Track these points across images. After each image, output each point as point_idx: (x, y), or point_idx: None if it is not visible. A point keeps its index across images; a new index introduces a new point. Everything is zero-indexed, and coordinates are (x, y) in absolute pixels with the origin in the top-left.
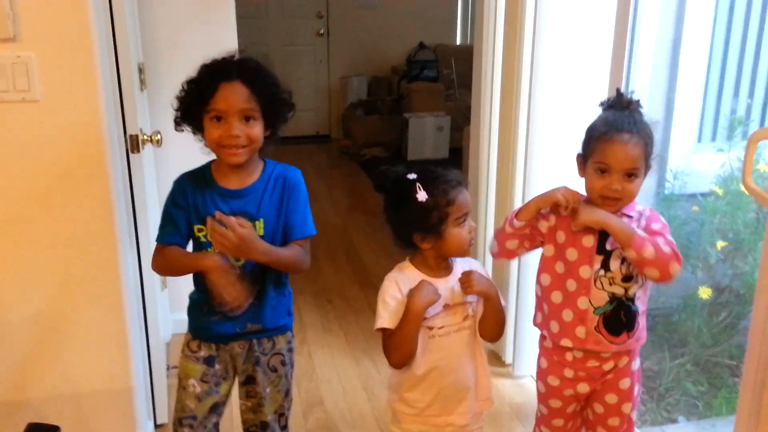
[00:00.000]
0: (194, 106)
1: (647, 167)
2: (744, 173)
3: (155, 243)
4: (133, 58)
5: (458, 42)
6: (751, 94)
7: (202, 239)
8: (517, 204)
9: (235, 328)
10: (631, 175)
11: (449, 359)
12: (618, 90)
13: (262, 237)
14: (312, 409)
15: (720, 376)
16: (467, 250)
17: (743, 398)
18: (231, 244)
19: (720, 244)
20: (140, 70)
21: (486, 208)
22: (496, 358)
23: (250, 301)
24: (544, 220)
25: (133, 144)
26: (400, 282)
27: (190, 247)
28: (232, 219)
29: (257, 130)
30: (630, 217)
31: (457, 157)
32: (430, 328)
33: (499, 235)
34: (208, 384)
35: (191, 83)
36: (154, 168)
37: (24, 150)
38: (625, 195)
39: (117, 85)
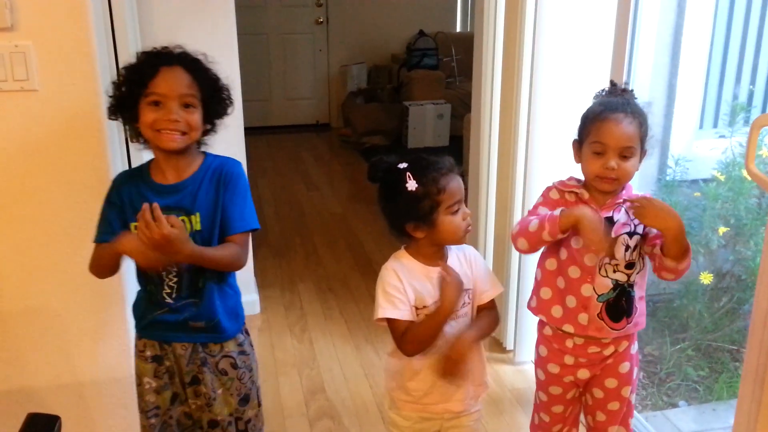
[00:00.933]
0: (132, 89)
1: (643, 150)
2: (747, 159)
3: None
4: (131, 46)
5: (458, 29)
6: (753, 80)
7: None
8: (518, 192)
9: (177, 325)
10: (625, 155)
11: (448, 346)
12: (612, 81)
13: (199, 231)
14: (314, 397)
15: (721, 360)
16: (462, 237)
17: (745, 382)
18: (153, 240)
19: (722, 229)
20: None
21: (487, 196)
22: (497, 345)
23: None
24: (559, 208)
25: (132, 132)
26: (398, 271)
27: None
28: (163, 216)
29: (197, 117)
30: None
31: (458, 144)
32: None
33: (534, 239)
34: (162, 379)
35: (130, 68)
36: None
37: (22, 139)
38: (621, 174)
39: (116, 73)
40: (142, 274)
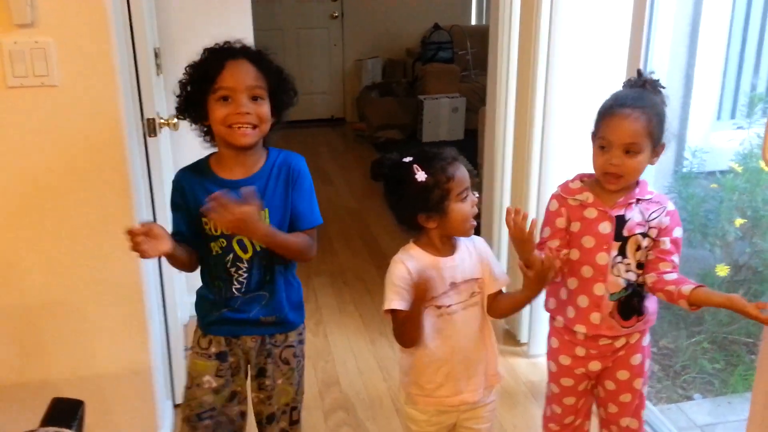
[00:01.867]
0: (200, 86)
1: (655, 145)
2: (764, 149)
3: None
4: (149, 42)
5: (473, 22)
6: None
7: (207, 232)
8: (533, 184)
9: (247, 316)
10: (630, 151)
11: (459, 337)
12: (638, 70)
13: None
14: (329, 389)
15: (736, 353)
16: (471, 225)
17: (760, 374)
18: (229, 221)
19: (738, 221)
20: (156, 55)
21: (502, 189)
22: (511, 338)
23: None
24: (559, 217)
25: (151, 128)
26: (407, 263)
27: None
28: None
29: (266, 109)
30: (647, 200)
31: (473, 138)
32: (439, 307)
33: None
34: (224, 378)
35: (195, 65)
36: (170, 152)
37: (43, 135)
38: (625, 171)
39: (134, 69)
40: (208, 272)
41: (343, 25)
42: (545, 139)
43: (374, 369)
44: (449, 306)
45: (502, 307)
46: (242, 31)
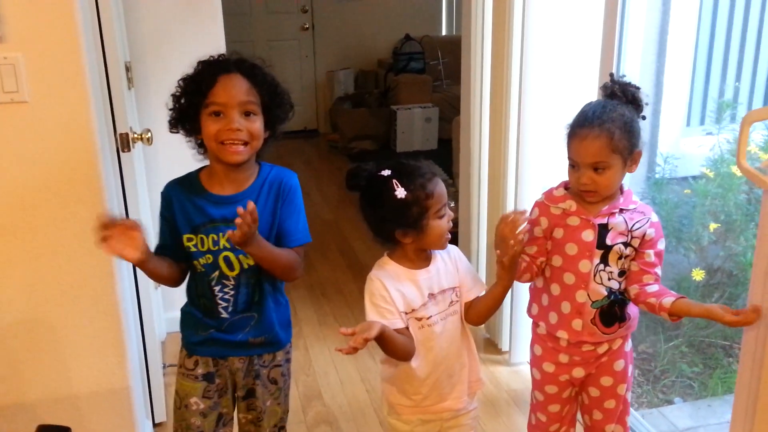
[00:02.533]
0: (192, 100)
1: (628, 154)
2: (738, 154)
3: None
4: (120, 56)
5: (444, 33)
6: (738, 78)
7: (192, 248)
8: (510, 193)
9: (236, 337)
10: (597, 168)
11: (441, 347)
12: (611, 74)
13: None
14: (311, 403)
15: (714, 356)
16: (447, 239)
17: (741, 377)
18: (245, 233)
19: (712, 225)
20: (127, 69)
21: (478, 198)
22: (492, 346)
23: None
24: (537, 226)
25: (124, 142)
26: (384, 279)
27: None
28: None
29: (258, 125)
30: (631, 210)
31: (447, 147)
32: (419, 319)
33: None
34: (211, 399)
35: (188, 79)
36: (144, 166)
37: (14, 151)
38: (598, 187)
39: (105, 84)
40: (193, 289)
41: (314, 36)
42: (521, 147)
43: (356, 381)
44: (429, 317)
45: (478, 310)
46: (214, 43)
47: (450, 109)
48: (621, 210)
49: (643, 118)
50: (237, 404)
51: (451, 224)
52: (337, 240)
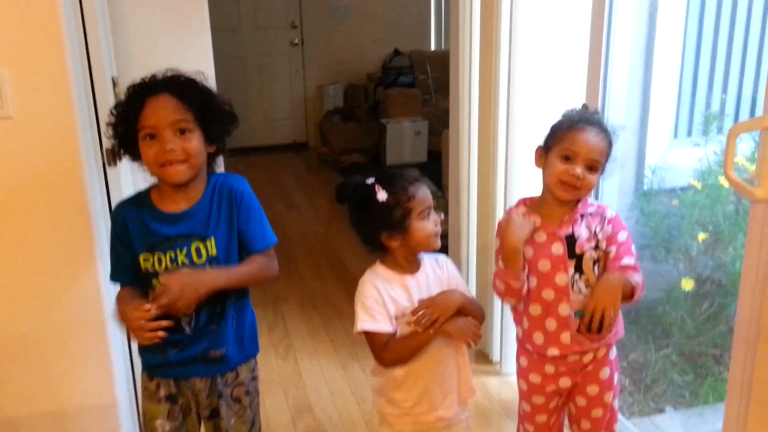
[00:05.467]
0: (125, 127)
1: (605, 168)
2: (726, 165)
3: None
4: (107, 71)
5: (432, 48)
6: (724, 89)
7: (149, 269)
8: (499, 205)
9: (195, 359)
10: (591, 167)
11: (432, 352)
12: (584, 104)
13: (215, 257)
14: (301, 416)
15: (705, 365)
16: (435, 241)
17: (732, 385)
18: (175, 301)
19: (701, 236)
20: (114, 84)
21: (468, 210)
22: (483, 357)
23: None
24: None
25: (110, 157)
26: (376, 283)
27: None
28: (163, 279)
29: (195, 143)
30: (590, 214)
31: (437, 160)
32: (409, 324)
33: (509, 293)
34: (176, 420)
35: (119, 106)
36: (131, 181)
37: None
38: (584, 185)
39: (92, 99)
40: None
41: (304, 51)
42: (509, 159)
43: (347, 393)
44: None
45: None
46: (202, 59)
47: (439, 123)
48: (582, 216)
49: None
50: (204, 423)
51: (439, 228)
52: (328, 253)
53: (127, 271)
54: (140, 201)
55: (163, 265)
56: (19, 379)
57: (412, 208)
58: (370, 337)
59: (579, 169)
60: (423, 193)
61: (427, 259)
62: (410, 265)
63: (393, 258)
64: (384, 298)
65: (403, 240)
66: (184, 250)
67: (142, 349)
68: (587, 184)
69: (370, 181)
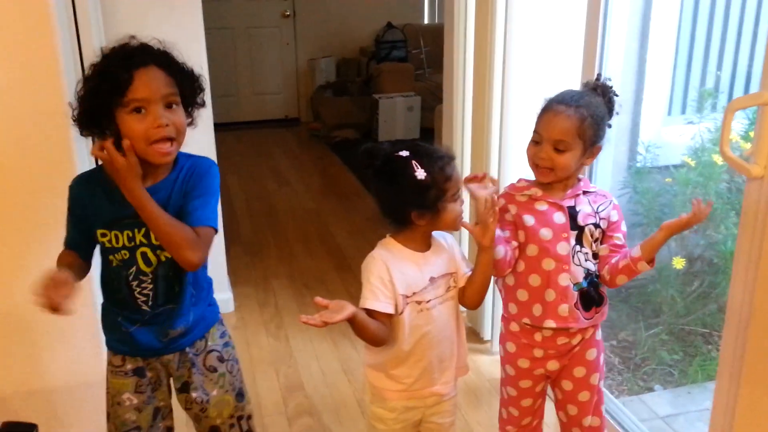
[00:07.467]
0: (105, 99)
1: (589, 146)
2: (721, 142)
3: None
4: (95, 41)
5: (426, 21)
6: (719, 67)
7: (107, 245)
8: None
9: (157, 340)
10: (557, 148)
11: (436, 331)
12: (598, 74)
13: None
14: (292, 394)
15: (694, 344)
16: (460, 223)
17: (723, 366)
18: (113, 169)
19: None
20: None
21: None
22: (474, 335)
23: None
24: (506, 212)
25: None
26: (387, 260)
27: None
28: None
29: (182, 117)
30: (592, 193)
31: (429, 136)
32: (419, 303)
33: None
34: (144, 393)
35: (96, 75)
36: None
37: None
38: (556, 166)
39: (80, 69)
40: (108, 285)
41: (295, 23)
42: (503, 136)
43: (338, 372)
44: (429, 301)
45: (473, 288)
46: (192, 30)
47: (432, 98)
48: (584, 192)
49: (609, 126)
50: (177, 399)
51: (463, 209)
52: (319, 229)
53: (79, 242)
54: (99, 176)
55: (121, 242)
56: (5, 356)
57: (447, 189)
58: (371, 315)
59: (543, 152)
60: (457, 174)
61: (437, 238)
62: (425, 242)
63: (411, 234)
64: (393, 276)
65: (431, 219)
66: (143, 230)
67: (104, 326)
68: (559, 165)
69: (405, 154)
